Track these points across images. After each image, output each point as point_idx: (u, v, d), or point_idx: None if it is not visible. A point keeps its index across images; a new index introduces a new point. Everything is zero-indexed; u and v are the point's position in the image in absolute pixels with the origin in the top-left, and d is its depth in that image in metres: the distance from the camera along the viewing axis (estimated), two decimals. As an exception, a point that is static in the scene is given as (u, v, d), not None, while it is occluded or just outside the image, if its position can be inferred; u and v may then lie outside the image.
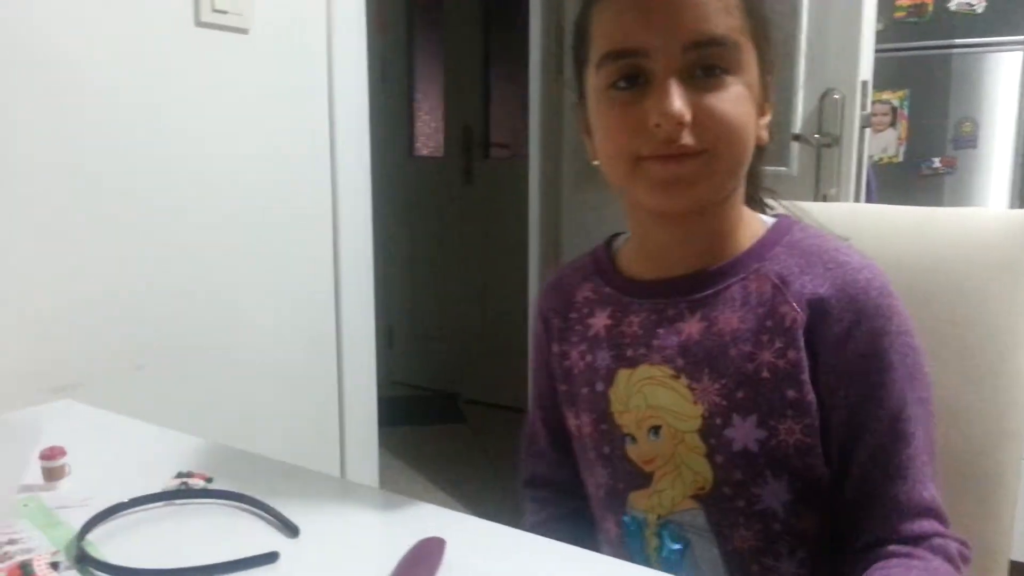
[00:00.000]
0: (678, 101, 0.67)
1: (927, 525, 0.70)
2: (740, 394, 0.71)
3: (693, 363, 0.74)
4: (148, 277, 1.42)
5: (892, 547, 0.69)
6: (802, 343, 0.70)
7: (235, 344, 1.57)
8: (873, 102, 1.65)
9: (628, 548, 0.80)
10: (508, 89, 3.64)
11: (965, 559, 0.70)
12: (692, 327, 0.75)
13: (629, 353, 0.78)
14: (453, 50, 3.80)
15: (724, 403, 0.72)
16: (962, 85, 2.05)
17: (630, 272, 0.82)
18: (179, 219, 1.46)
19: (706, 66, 0.68)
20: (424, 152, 4.00)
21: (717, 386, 0.72)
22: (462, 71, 3.77)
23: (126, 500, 0.75)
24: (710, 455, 0.73)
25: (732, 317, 0.73)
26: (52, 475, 0.82)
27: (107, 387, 1.35)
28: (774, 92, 0.76)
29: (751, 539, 0.74)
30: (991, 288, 0.95)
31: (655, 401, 0.76)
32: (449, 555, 0.66)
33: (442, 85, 3.88)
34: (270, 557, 0.66)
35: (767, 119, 0.75)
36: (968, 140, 2.06)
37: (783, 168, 1.76)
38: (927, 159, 2.07)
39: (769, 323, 0.71)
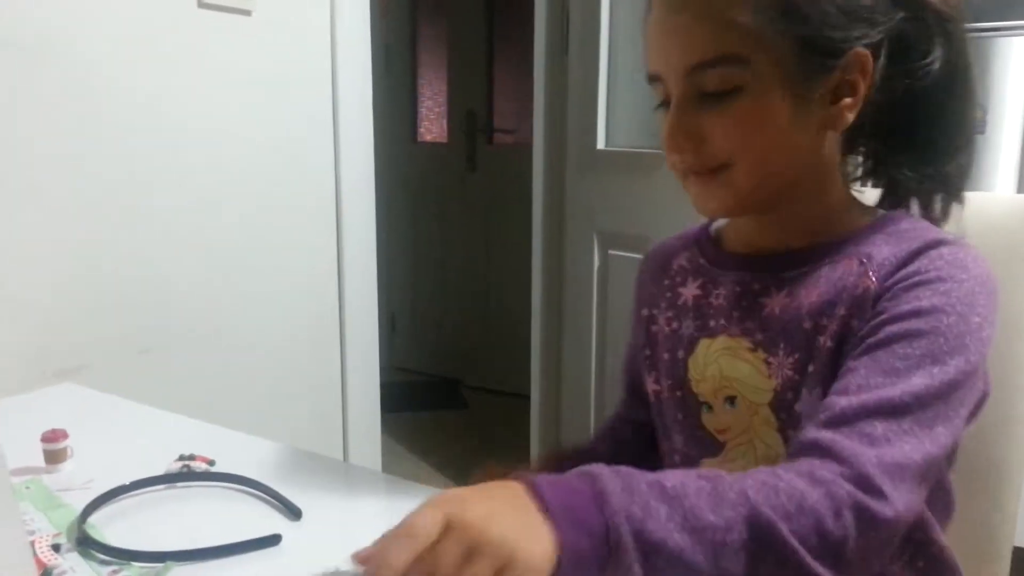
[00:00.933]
0: (671, 130, 0.70)
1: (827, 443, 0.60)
2: (811, 367, 0.70)
3: (771, 337, 0.74)
4: (152, 262, 1.41)
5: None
6: (869, 311, 0.67)
7: (238, 329, 1.57)
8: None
9: None
10: (512, 74, 3.62)
11: (861, 511, 0.57)
12: (775, 303, 0.74)
13: (711, 323, 0.79)
14: (457, 35, 3.78)
15: (796, 377, 0.71)
16: (970, 70, 2.04)
17: (726, 246, 0.83)
18: (182, 204, 1.45)
19: (709, 89, 0.68)
20: (427, 138, 3.99)
21: (791, 360, 0.72)
22: (466, 56, 3.75)
23: (128, 483, 0.75)
24: (782, 429, 0.73)
25: (812, 292, 0.72)
26: (54, 458, 0.82)
27: (111, 371, 1.35)
28: (868, 68, 0.69)
29: None
30: (998, 273, 0.94)
31: (731, 372, 0.76)
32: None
33: (446, 70, 3.87)
34: (273, 539, 0.66)
35: (852, 98, 0.70)
36: (976, 126, 2.04)
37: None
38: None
39: (847, 295, 0.70)
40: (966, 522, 0.91)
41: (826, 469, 0.58)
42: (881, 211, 0.77)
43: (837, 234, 0.74)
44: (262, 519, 0.71)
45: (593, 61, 2.17)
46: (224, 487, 0.78)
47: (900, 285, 0.66)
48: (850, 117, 0.70)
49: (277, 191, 1.61)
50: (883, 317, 0.65)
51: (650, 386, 0.86)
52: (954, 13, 0.70)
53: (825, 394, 0.65)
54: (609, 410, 2.34)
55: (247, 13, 1.50)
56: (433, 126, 3.98)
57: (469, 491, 0.55)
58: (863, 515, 0.56)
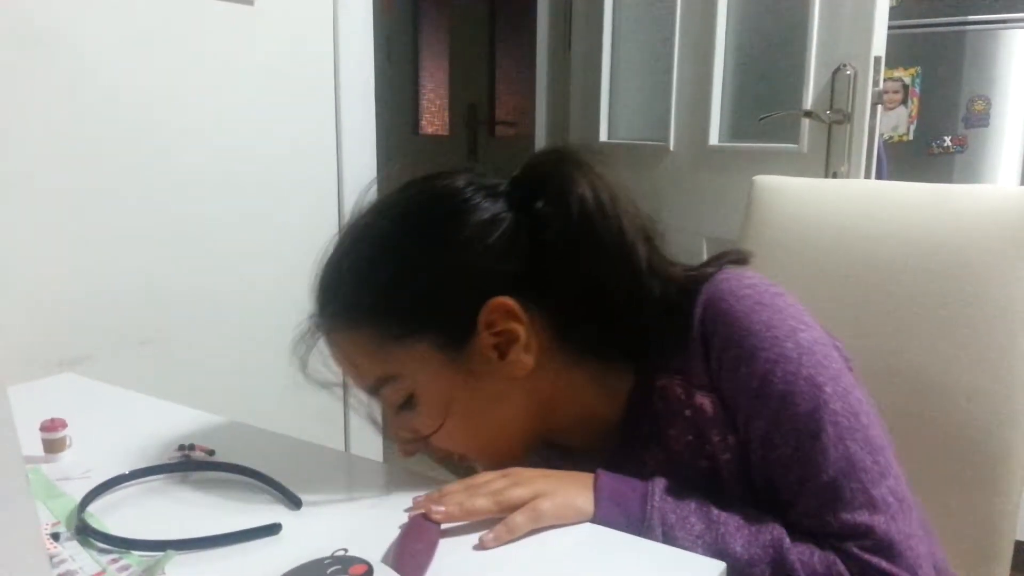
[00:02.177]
0: (397, 447, 0.77)
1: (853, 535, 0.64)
2: (723, 493, 0.69)
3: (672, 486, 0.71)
4: (153, 252, 1.41)
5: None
6: (728, 421, 0.68)
7: (239, 319, 1.57)
8: (884, 80, 1.63)
9: None
10: (514, 67, 3.61)
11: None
12: (654, 460, 0.72)
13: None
14: (459, 27, 3.77)
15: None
16: (975, 62, 2.02)
17: (567, 446, 0.80)
18: (184, 194, 1.45)
19: (394, 402, 0.73)
20: (429, 130, 3.98)
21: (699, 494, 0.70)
22: (468, 49, 3.74)
23: (127, 472, 0.75)
24: None
25: (676, 432, 0.71)
26: (53, 447, 0.81)
27: (113, 361, 1.35)
28: (508, 313, 0.68)
29: None
30: (1002, 265, 0.94)
31: None
32: (448, 525, 0.65)
33: (448, 63, 3.86)
34: (272, 529, 0.66)
35: (519, 342, 0.69)
36: (980, 119, 2.03)
37: (793, 145, 1.74)
38: (938, 137, 2.04)
39: (700, 422, 0.69)
40: (967, 517, 0.91)
41: (851, 552, 0.62)
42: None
43: (631, 384, 0.74)
44: (262, 508, 0.71)
45: (596, 54, 2.17)
46: (224, 477, 0.78)
47: (727, 384, 0.67)
48: (528, 360, 0.70)
49: (279, 182, 1.61)
50: (744, 429, 0.67)
51: None
52: (565, 172, 0.71)
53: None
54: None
55: (249, 3, 1.50)
56: (435, 119, 3.98)
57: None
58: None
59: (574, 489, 0.67)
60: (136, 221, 1.38)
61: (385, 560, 0.61)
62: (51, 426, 0.81)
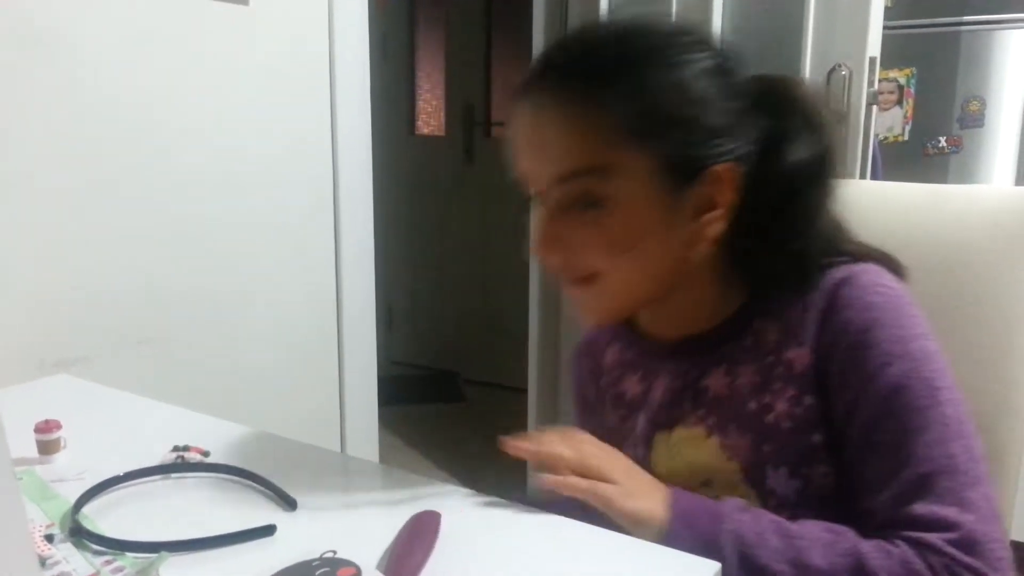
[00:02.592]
0: (537, 239, 0.72)
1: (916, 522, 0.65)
2: (766, 448, 0.71)
3: (721, 420, 0.75)
4: (150, 253, 1.41)
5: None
6: (815, 386, 0.70)
7: (236, 321, 1.56)
8: (879, 80, 1.63)
9: None
10: (510, 66, 3.61)
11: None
12: (716, 383, 0.76)
13: (663, 417, 0.79)
14: (455, 27, 3.77)
15: (754, 456, 0.72)
16: (970, 63, 2.03)
17: (647, 333, 0.83)
18: (180, 195, 1.44)
19: (574, 199, 0.69)
20: (425, 131, 3.97)
21: (744, 441, 0.73)
22: (464, 48, 3.74)
23: (121, 473, 0.75)
24: (761, 497, 0.73)
25: (748, 370, 0.74)
26: (47, 448, 0.81)
27: (109, 362, 1.34)
28: (730, 182, 0.70)
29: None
30: (998, 265, 0.94)
31: (695, 459, 0.76)
32: (445, 528, 0.65)
33: (444, 63, 3.85)
34: (267, 530, 0.66)
35: (717, 211, 0.71)
36: (975, 119, 2.03)
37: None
38: (933, 138, 2.04)
39: (779, 370, 0.71)
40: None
41: (923, 546, 0.62)
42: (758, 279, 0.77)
43: (738, 306, 0.76)
44: (257, 510, 0.71)
45: (591, 53, 2.16)
46: (219, 478, 0.77)
47: (837, 355, 0.69)
48: (717, 228, 0.71)
49: (275, 183, 1.61)
50: (847, 399, 0.68)
51: None
52: (816, 110, 0.73)
53: (792, 473, 0.70)
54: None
55: (244, 3, 1.49)
56: (431, 119, 3.97)
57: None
58: None
59: (650, 502, 0.67)
60: (133, 221, 1.38)
61: (381, 561, 0.61)
62: (45, 427, 0.81)
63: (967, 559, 0.61)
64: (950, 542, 0.62)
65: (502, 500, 0.73)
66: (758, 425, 0.71)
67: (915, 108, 2.05)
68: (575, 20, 2.27)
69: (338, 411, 1.79)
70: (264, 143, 1.57)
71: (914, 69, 2.04)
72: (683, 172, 0.69)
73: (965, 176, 2.05)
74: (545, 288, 2.52)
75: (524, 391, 2.57)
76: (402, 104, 3.92)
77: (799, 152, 0.71)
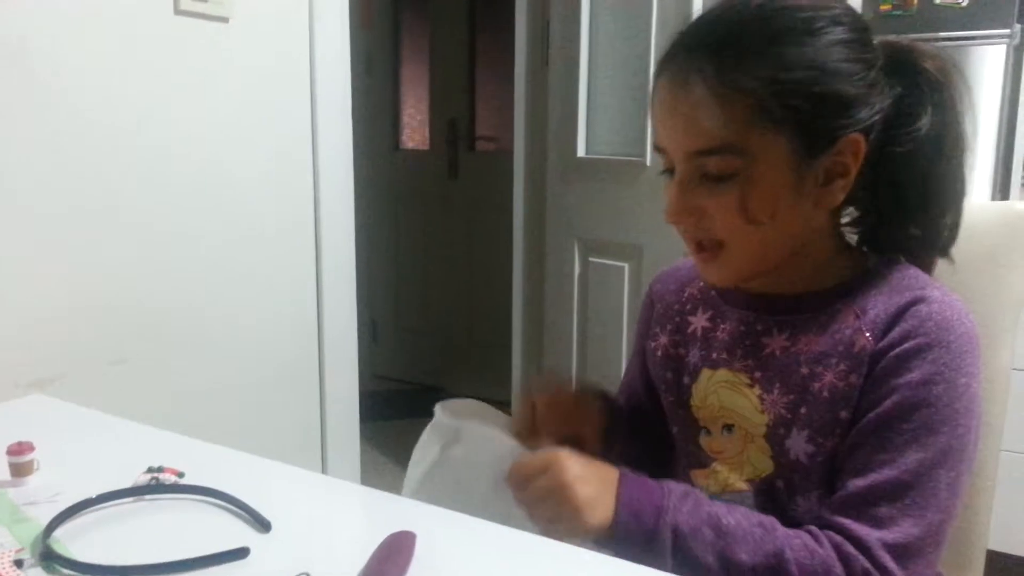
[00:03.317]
0: (672, 207, 0.75)
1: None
2: (803, 410, 0.76)
3: (768, 376, 0.79)
4: (127, 270, 1.40)
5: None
6: (866, 369, 0.73)
7: (214, 339, 1.55)
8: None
9: None
10: (494, 81, 3.63)
11: None
12: (775, 343, 0.80)
13: (715, 355, 0.84)
14: (439, 43, 3.79)
15: (788, 416, 0.77)
16: (946, 78, 2.06)
17: None
18: (159, 211, 1.44)
19: (708, 172, 0.72)
20: (410, 145, 3.98)
21: (785, 400, 0.77)
22: (448, 64, 3.76)
23: (94, 496, 0.74)
24: (774, 457, 0.78)
25: (812, 340, 0.77)
26: (20, 471, 0.80)
27: (85, 382, 1.33)
28: (858, 150, 0.73)
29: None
30: (976, 281, 0.95)
31: (730, 404, 0.82)
32: (420, 548, 0.65)
33: (428, 78, 3.87)
34: (240, 553, 0.65)
35: (844, 180, 0.74)
36: (964, 188, 2.06)
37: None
38: (911, 152, 2.07)
39: (841, 348, 0.75)
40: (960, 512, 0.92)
41: (849, 548, 0.68)
42: (873, 259, 0.81)
43: (833, 282, 0.79)
44: (231, 532, 0.70)
45: (573, 71, 2.18)
46: (193, 499, 0.77)
47: (894, 352, 0.72)
48: (841, 196, 0.75)
49: (254, 199, 1.60)
50: (880, 391, 0.72)
51: (664, 397, 0.92)
52: (945, 79, 0.74)
53: (810, 439, 0.75)
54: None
55: (225, 20, 1.50)
56: (415, 134, 3.98)
57: (580, 458, 0.73)
58: None
59: (594, 502, 0.71)
60: (109, 240, 1.37)
61: (354, 583, 0.60)
62: (18, 449, 0.80)
63: (892, 566, 0.67)
64: (887, 546, 0.67)
65: (478, 520, 0.73)
66: (803, 389, 0.76)
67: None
68: (556, 37, 2.29)
69: (319, 428, 1.79)
70: (244, 159, 1.57)
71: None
72: (816, 144, 0.72)
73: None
74: (529, 301, 2.53)
75: (508, 404, 2.57)
76: (386, 118, 3.93)
77: (923, 123, 0.73)
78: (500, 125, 3.53)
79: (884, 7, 2.07)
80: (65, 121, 1.30)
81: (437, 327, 3.85)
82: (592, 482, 0.72)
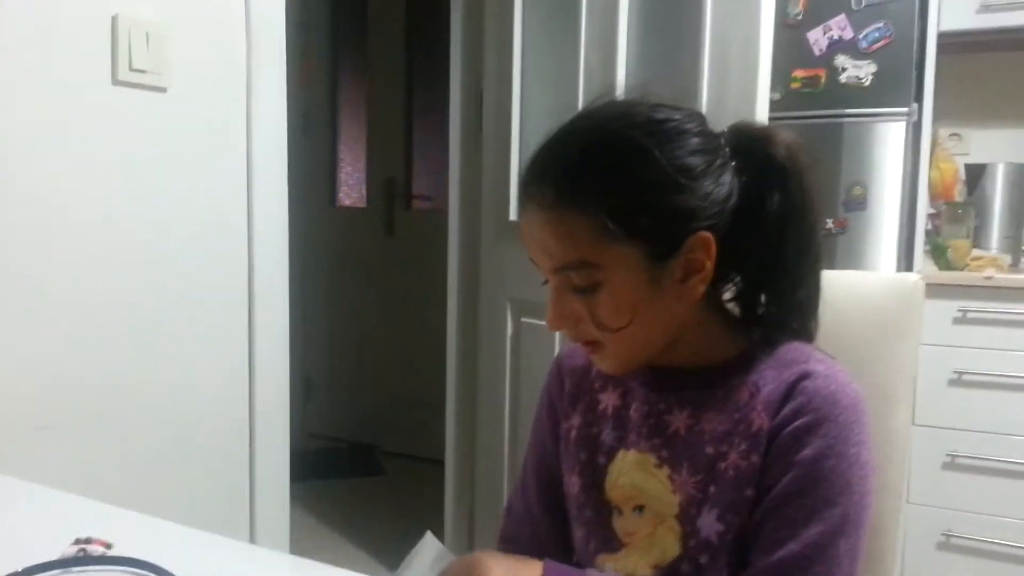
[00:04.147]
0: (549, 316, 0.80)
1: None
2: (712, 488, 0.79)
3: (675, 455, 0.83)
4: (55, 334, 1.39)
5: None
6: (764, 447, 0.77)
7: (143, 403, 1.54)
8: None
9: None
10: (431, 140, 3.70)
11: None
12: (679, 421, 0.83)
13: (630, 436, 0.87)
14: (377, 101, 3.85)
15: (699, 495, 0.80)
16: (852, 151, 2.19)
17: None
18: (91, 277, 1.44)
19: (574, 283, 0.78)
20: (347, 202, 4.01)
21: (694, 480, 0.81)
22: (386, 122, 3.82)
23: (19, 570, 0.74)
24: (684, 538, 0.81)
25: (714, 418, 0.81)
26: (-58, 545, 0.80)
27: (8, 448, 1.31)
28: (708, 247, 0.77)
29: None
30: (872, 350, 1.02)
31: (641, 484, 0.85)
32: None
33: (366, 135, 3.92)
34: (168, 625, 0.66)
35: (700, 273, 0.78)
36: (858, 203, 2.19)
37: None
38: (820, 220, 2.19)
39: (741, 427, 0.79)
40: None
41: None
42: (757, 331, 0.85)
43: (726, 356, 0.84)
44: (159, 604, 0.71)
45: (506, 136, 2.26)
46: (122, 571, 0.78)
47: (787, 430, 0.77)
48: (701, 289, 0.80)
49: (187, 260, 1.61)
50: (779, 468, 0.76)
51: (567, 481, 0.93)
52: (793, 165, 0.80)
53: (720, 517, 0.78)
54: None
55: (163, 90, 1.52)
56: (352, 191, 4.02)
57: (503, 558, 0.73)
58: None
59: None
60: (35, 304, 1.36)
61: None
62: (-59, 524, 0.80)
63: None
64: None
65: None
66: (710, 468, 0.79)
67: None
68: (490, 104, 2.37)
69: (248, 492, 1.77)
70: (177, 223, 1.58)
71: (803, 156, 2.19)
72: (664, 250, 0.77)
73: (851, 254, 2.20)
74: (462, 360, 2.55)
75: (442, 463, 2.58)
76: (323, 175, 3.96)
77: (770, 206, 0.79)
78: (436, 184, 3.60)
79: (794, 85, 2.21)
80: (-3, 186, 1.30)
81: (372, 385, 3.84)
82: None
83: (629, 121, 0.78)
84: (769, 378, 0.80)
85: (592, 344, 0.82)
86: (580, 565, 0.90)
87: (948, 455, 2.16)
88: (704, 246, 0.77)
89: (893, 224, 2.20)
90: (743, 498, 0.78)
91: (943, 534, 2.17)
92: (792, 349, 0.82)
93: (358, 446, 3.83)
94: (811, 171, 0.81)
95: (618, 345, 0.81)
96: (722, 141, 0.80)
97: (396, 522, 2.97)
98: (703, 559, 0.80)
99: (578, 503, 0.91)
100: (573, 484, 0.91)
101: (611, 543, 0.87)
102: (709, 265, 0.78)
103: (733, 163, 0.79)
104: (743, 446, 0.78)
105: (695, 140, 0.78)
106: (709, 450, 0.80)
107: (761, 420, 0.78)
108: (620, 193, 0.75)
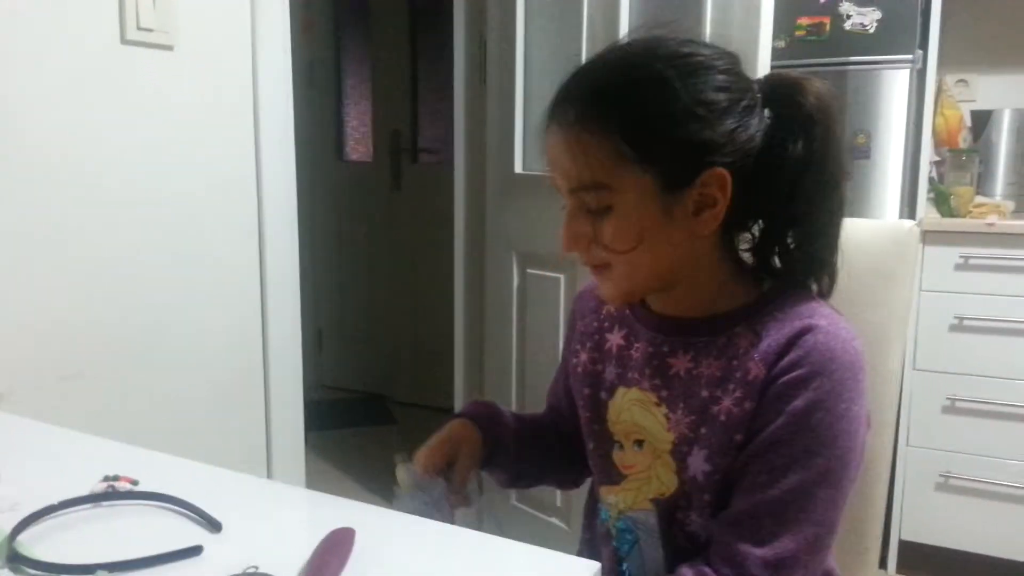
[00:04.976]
0: (564, 236, 0.83)
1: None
2: (703, 430, 0.83)
3: (673, 396, 0.86)
4: (77, 288, 1.43)
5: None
6: (757, 396, 0.80)
7: (160, 352, 1.59)
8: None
9: (599, 531, 0.95)
10: (436, 94, 3.69)
11: None
12: (680, 364, 0.87)
13: (630, 374, 0.91)
14: (381, 55, 3.84)
15: (690, 435, 0.84)
16: (856, 100, 2.20)
17: (648, 303, 0.93)
18: (107, 231, 1.48)
19: (589, 204, 0.81)
20: (353, 157, 4.02)
21: (687, 420, 0.84)
22: (390, 76, 3.81)
23: (55, 503, 0.79)
24: (678, 472, 0.86)
25: (713, 363, 0.84)
26: (-20, 482, 0.85)
27: (33, 398, 1.36)
28: (725, 184, 0.78)
29: (687, 548, 0.86)
30: (870, 294, 1.05)
31: (640, 420, 0.89)
32: (361, 544, 0.72)
33: (370, 90, 3.91)
34: (194, 551, 0.71)
35: (713, 209, 0.79)
36: (862, 151, 2.20)
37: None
38: (825, 169, 2.20)
39: (738, 374, 0.82)
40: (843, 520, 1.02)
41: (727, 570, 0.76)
42: (768, 283, 0.87)
43: (730, 306, 0.85)
44: (184, 533, 0.76)
45: (510, 90, 2.27)
46: (148, 505, 0.83)
47: (782, 380, 0.78)
48: (713, 225, 0.81)
49: (200, 216, 1.65)
50: (769, 416, 0.78)
51: (581, 412, 0.98)
52: (822, 115, 0.80)
53: (708, 458, 0.82)
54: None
55: (170, 48, 1.54)
56: (359, 145, 4.02)
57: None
58: None
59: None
60: (57, 259, 1.41)
61: (299, 573, 0.67)
62: (-22, 462, 0.85)
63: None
64: (765, 562, 0.75)
65: (415, 518, 0.80)
66: (704, 411, 0.83)
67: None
68: (493, 57, 2.37)
69: (264, 436, 1.83)
70: (188, 177, 1.62)
71: (807, 105, 2.19)
72: (679, 181, 0.78)
73: (854, 202, 2.21)
74: (470, 311, 2.60)
75: (451, 411, 2.64)
76: (329, 130, 3.97)
77: (793, 152, 0.79)
78: (442, 138, 3.60)
79: (799, 33, 2.21)
80: (15, 145, 1.33)
81: (382, 336, 3.90)
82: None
83: (654, 53, 0.80)
84: (772, 329, 0.81)
85: (600, 268, 0.84)
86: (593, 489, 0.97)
87: (948, 399, 2.21)
88: (719, 182, 0.78)
89: (897, 172, 2.21)
90: (732, 442, 0.80)
91: (941, 475, 2.22)
92: (800, 302, 0.83)
93: (369, 396, 3.91)
94: (838, 123, 0.82)
95: (624, 269, 0.82)
96: (755, 86, 0.82)
97: (408, 469, 3.05)
98: (693, 494, 0.84)
99: (585, 435, 0.97)
100: (581, 418, 0.97)
101: (613, 475, 0.93)
102: (722, 202, 0.79)
103: (764, 110, 0.81)
104: (737, 393, 0.80)
105: (721, 77, 0.78)
106: (704, 393, 0.83)
107: (758, 369, 0.80)
108: (636, 119, 0.77)
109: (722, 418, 0.81)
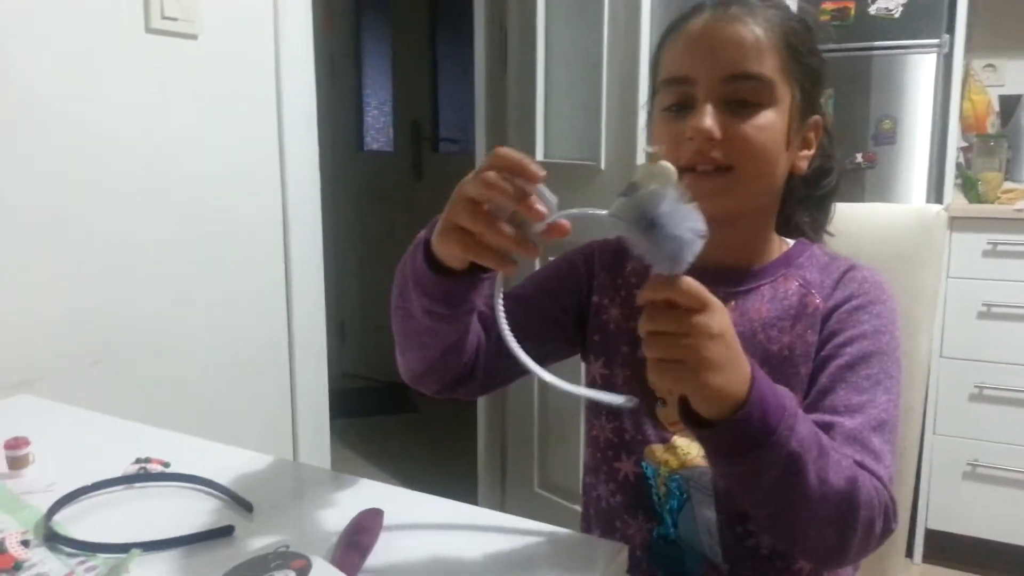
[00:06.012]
0: (708, 119, 0.80)
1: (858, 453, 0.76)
2: (765, 369, 0.78)
3: None
4: (104, 275, 1.45)
5: None
6: (819, 326, 0.84)
7: (188, 339, 1.61)
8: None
9: (642, 492, 0.90)
10: (456, 83, 3.70)
11: (885, 511, 0.74)
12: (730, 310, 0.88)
13: None
14: (401, 45, 3.84)
15: None
16: (882, 85, 2.17)
17: None
18: (133, 219, 1.50)
19: (739, 98, 0.82)
20: (374, 147, 4.04)
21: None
22: (410, 66, 3.82)
23: (89, 484, 0.81)
24: None
25: (762, 307, 0.86)
26: (17, 464, 0.87)
27: (64, 383, 1.39)
28: (820, 131, 0.89)
29: (744, 512, 0.84)
30: (899, 279, 1.04)
31: None
32: (388, 522, 0.73)
33: (391, 80, 3.92)
34: (226, 530, 0.73)
35: (808, 152, 0.88)
36: (888, 137, 2.18)
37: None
38: (850, 154, 2.18)
39: (793, 311, 0.85)
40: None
41: (876, 482, 0.74)
42: (790, 241, 0.93)
43: (767, 258, 0.90)
44: (215, 513, 0.78)
45: (530, 78, 2.26)
46: (179, 486, 0.84)
47: (843, 308, 0.83)
48: (805, 165, 0.88)
49: (225, 205, 1.66)
50: (839, 340, 0.81)
51: (596, 370, 0.95)
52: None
53: None
54: (552, 413, 2.44)
55: (194, 37, 1.56)
56: (379, 135, 4.04)
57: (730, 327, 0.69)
58: (888, 524, 0.74)
59: (736, 379, 0.67)
60: (85, 246, 1.43)
61: (329, 553, 0.68)
62: (15, 444, 0.87)
63: (888, 495, 0.75)
64: (882, 480, 0.75)
65: (443, 499, 0.81)
66: (762, 352, 0.84)
67: (833, 126, 2.18)
68: (514, 43, 2.37)
69: (290, 424, 1.85)
70: (214, 166, 1.63)
71: (832, 90, 2.17)
72: (804, 110, 0.86)
73: (880, 188, 2.19)
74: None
75: (474, 401, 2.65)
76: (350, 120, 3.98)
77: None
78: (463, 126, 3.60)
79: (824, 18, 2.18)
80: (42, 133, 1.35)
81: (403, 326, 3.91)
82: (732, 349, 0.67)
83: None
84: (814, 269, 0.87)
85: (714, 176, 0.81)
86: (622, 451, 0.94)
87: (976, 386, 2.18)
88: (817, 128, 0.88)
89: (924, 158, 2.18)
90: (797, 375, 0.82)
91: (969, 464, 2.20)
92: (826, 253, 0.91)
93: (391, 385, 3.92)
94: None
95: (747, 173, 0.82)
96: None
97: (430, 455, 3.08)
98: None
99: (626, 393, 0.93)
100: (616, 376, 0.92)
101: (660, 434, 0.89)
102: (815, 148, 0.88)
103: None
104: (798, 328, 0.83)
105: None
106: (760, 336, 0.84)
107: (816, 302, 0.84)
108: (800, 46, 0.84)
109: (785, 354, 0.83)
